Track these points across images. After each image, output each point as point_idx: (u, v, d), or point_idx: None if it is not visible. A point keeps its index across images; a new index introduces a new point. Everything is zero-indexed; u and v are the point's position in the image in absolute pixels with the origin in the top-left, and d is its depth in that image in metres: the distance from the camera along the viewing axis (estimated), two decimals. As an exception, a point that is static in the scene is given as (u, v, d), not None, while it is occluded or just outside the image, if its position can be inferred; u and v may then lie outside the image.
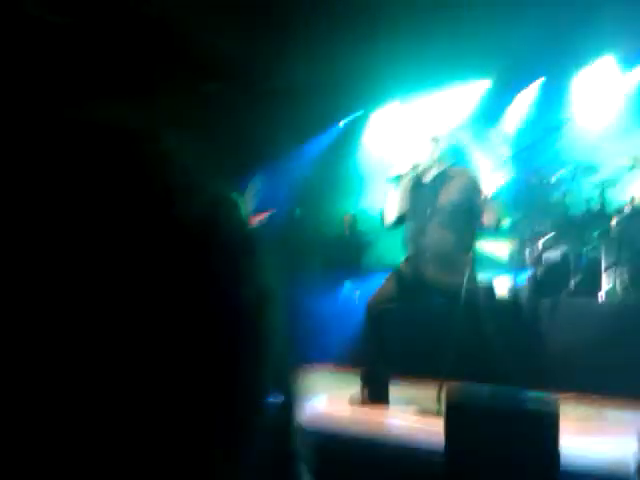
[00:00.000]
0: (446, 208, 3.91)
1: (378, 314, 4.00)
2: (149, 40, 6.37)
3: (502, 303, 5.15)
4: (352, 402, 4.00)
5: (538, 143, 7.19)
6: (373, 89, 7.79)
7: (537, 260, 5.76)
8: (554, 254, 5.73)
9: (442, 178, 4.00)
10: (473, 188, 3.92)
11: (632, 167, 5.86)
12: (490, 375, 3.41)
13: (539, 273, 5.62)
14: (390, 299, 4.01)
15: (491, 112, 7.91)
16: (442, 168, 4.03)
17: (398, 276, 4.09)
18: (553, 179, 6.23)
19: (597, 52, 6.98)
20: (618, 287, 5.16)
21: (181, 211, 0.38)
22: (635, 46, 6.62)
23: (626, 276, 5.16)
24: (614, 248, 5.38)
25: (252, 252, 0.43)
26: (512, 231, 6.11)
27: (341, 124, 8.53)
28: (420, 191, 4.03)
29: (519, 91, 7.82)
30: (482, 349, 3.77)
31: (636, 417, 2.49)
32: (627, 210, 5.59)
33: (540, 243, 5.88)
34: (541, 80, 7.60)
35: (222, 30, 6.59)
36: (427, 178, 4.05)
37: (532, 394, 2.93)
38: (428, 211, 3.96)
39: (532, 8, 6.30)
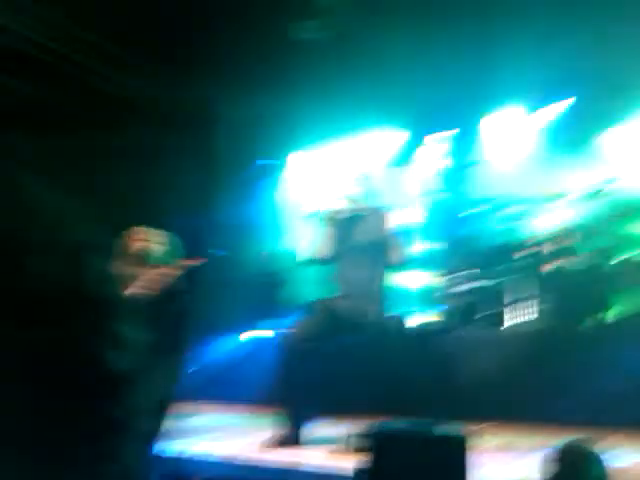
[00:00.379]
0: (360, 246, 4.03)
1: (296, 353, 3.96)
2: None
3: (416, 337, 5.23)
4: (269, 443, 3.91)
5: (450, 182, 7.51)
6: (291, 131, 7.92)
7: (451, 294, 5.91)
8: (467, 288, 5.88)
9: (357, 217, 4.12)
10: (385, 227, 4.03)
11: (536, 202, 6.20)
12: (408, 409, 3.43)
13: (453, 307, 5.75)
14: (308, 338, 3.99)
15: (405, 154, 8.19)
16: (357, 207, 4.13)
17: (320, 313, 4.11)
18: (464, 215, 6.49)
19: (505, 99, 7.42)
20: (528, 318, 5.36)
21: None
22: (538, 95, 7.06)
23: (536, 308, 5.37)
24: (523, 281, 5.61)
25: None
26: (427, 266, 6.29)
27: (260, 165, 8.58)
28: (335, 230, 4.12)
29: (432, 133, 8.16)
30: (396, 383, 3.81)
31: (546, 443, 2.57)
32: (532, 243, 5.87)
33: (453, 277, 6.05)
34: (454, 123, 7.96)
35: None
36: (345, 216, 4.14)
37: (446, 426, 2.95)
38: (343, 249, 4.07)
39: (445, 59, 6.70)
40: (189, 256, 5.07)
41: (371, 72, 6.96)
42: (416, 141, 8.16)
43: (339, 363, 4.64)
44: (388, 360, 4.54)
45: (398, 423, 2.91)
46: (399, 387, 4.68)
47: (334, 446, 3.68)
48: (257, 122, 7.55)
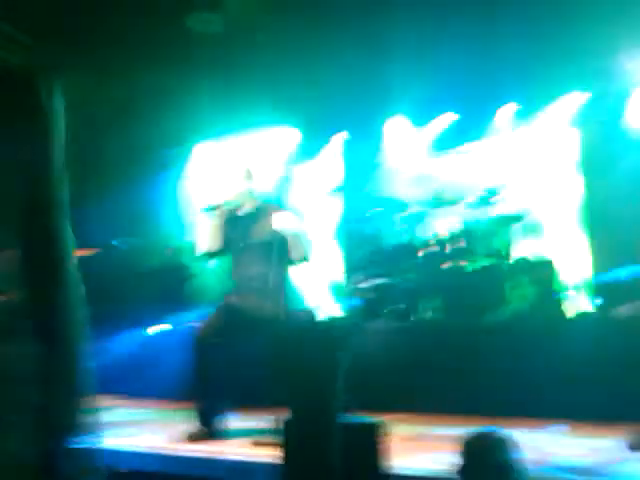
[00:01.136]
0: (259, 242, 3.99)
1: (205, 348, 3.91)
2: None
3: (324, 332, 5.25)
4: (185, 438, 3.82)
5: (353, 182, 7.68)
6: (196, 122, 7.79)
7: (356, 290, 6.00)
8: (372, 284, 5.97)
9: (256, 213, 4.10)
10: (284, 224, 3.97)
11: (435, 204, 6.46)
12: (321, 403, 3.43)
13: (359, 302, 5.84)
14: (215, 333, 3.94)
15: (308, 153, 8.32)
16: (256, 204, 4.12)
17: (221, 310, 4.08)
18: (367, 215, 6.62)
19: (401, 107, 7.76)
20: (428, 313, 5.55)
21: None
22: (424, 105, 7.44)
23: (434, 304, 5.57)
24: (423, 278, 5.82)
25: None
26: (332, 263, 6.37)
27: (164, 156, 8.35)
28: (234, 224, 4.08)
29: (334, 133, 8.32)
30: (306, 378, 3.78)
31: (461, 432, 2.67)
32: (432, 243, 6.10)
33: (358, 275, 6.17)
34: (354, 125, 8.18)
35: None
36: (241, 212, 4.11)
37: (358, 417, 2.99)
38: (242, 245, 4.03)
39: (348, 61, 6.88)
40: (82, 247, 4.81)
41: (274, 69, 7.02)
42: (319, 140, 8.33)
43: (246, 358, 4.59)
44: (295, 354, 4.53)
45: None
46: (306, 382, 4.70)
47: (256, 438, 3.65)
48: (161, 112, 7.37)
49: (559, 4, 6.08)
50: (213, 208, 4.02)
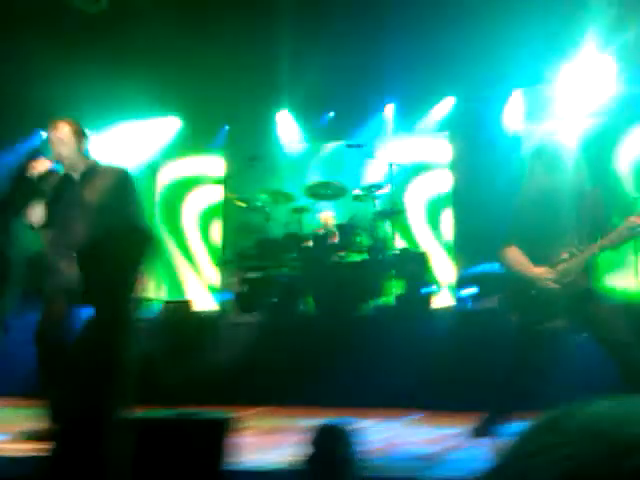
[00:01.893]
0: (93, 206, 3.43)
1: (46, 341, 3.38)
2: None
3: (206, 321, 5.17)
4: (28, 436, 3.51)
5: (238, 172, 7.59)
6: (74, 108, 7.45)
7: (240, 280, 5.88)
8: (256, 274, 5.91)
9: (88, 173, 3.54)
10: (121, 186, 3.49)
11: (318, 197, 6.49)
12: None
13: (242, 292, 5.73)
14: (54, 323, 3.40)
15: (193, 142, 8.22)
16: (89, 164, 3.57)
17: (46, 300, 3.48)
18: (256, 204, 6.52)
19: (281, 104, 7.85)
20: (300, 307, 5.54)
21: None
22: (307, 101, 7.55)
23: (317, 294, 5.56)
24: (300, 272, 5.82)
25: None
26: (216, 253, 6.22)
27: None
28: (63, 189, 3.50)
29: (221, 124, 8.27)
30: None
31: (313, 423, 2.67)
32: (312, 236, 6.13)
33: (234, 267, 6.08)
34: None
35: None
36: (75, 175, 3.55)
37: (211, 412, 2.91)
38: (75, 211, 3.46)
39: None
40: None
41: (158, 58, 6.87)
42: (205, 130, 8.24)
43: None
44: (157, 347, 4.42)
45: (157, 411, 2.79)
46: (175, 375, 4.58)
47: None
48: (36, 92, 6.96)
49: (435, 13, 6.35)
50: (43, 175, 3.43)
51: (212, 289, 6.76)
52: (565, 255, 3.10)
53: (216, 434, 2.67)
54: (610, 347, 3.01)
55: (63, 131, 3.52)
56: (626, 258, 6.13)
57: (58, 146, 3.52)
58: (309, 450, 2.54)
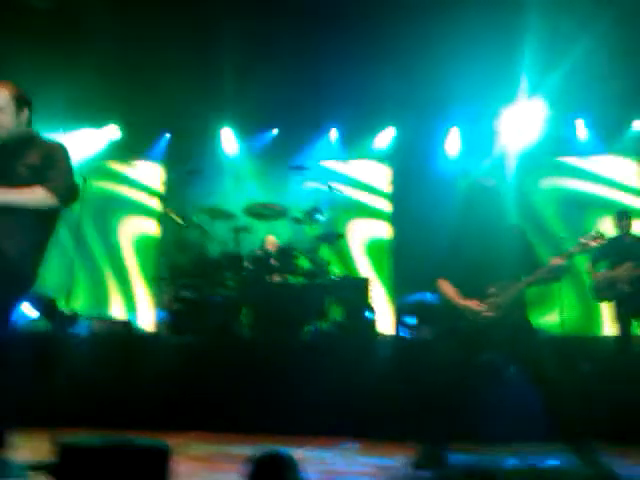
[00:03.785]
0: (22, 180, 3.04)
1: None
2: None
3: (137, 342, 4.97)
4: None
5: (179, 188, 7.44)
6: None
7: (174, 299, 5.67)
8: (191, 293, 5.69)
9: (25, 146, 3.16)
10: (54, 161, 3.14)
11: (259, 217, 6.43)
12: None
13: (176, 311, 5.54)
14: None
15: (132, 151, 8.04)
16: (26, 135, 3.20)
17: None
18: (194, 220, 6.37)
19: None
20: (251, 325, 5.41)
21: None
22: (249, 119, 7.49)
23: (254, 316, 5.45)
24: (238, 293, 5.71)
25: None
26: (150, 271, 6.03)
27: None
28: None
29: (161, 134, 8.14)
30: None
31: (252, 451, 2.57)
32: (259, 254, 6.04)
33: (170, 285, 5.89)
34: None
35: None
36: (9, 145, 3.13)
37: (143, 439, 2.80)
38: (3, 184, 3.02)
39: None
40: None
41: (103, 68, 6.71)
42: (143, 140, 8.07)
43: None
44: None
45: (89, 438, 2.65)
46: (101, 398, 4.37)
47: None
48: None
49: (381, 46, 6.54)
50: None
51: (144, 307, 6.54)
52: (493, 290, 3.20)
53: (157, 462, 2.57)
54: (538, 380, 3.12)
55: (1, 96, 3.14)
56: (552, 294, 6.42)
57: None
58: (253, 478, 2.48)
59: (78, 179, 3.40)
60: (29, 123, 3.26)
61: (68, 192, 3.14)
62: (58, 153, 3.16)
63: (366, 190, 7.95)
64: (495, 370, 4.04)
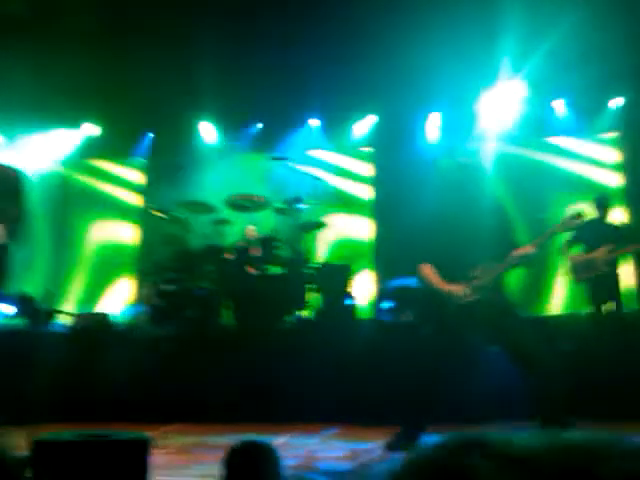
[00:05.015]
0: None
1: None
2: None
3: (118, 335, 4.96)
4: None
5: (159, 182, 7.40)
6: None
7: (156, 292, 5.64)
8: (173, 287, 5.66)
9: None
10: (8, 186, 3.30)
11: (240, 209, 6.41)
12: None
13: (158, 305, 5.50)
14: None
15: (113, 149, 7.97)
16: None
17: None
18: (175, 214, 6.34)
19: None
20: (233, 316, 5.41)
21: None
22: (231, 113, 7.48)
23: (236, 307, 5.43)
24: (219, 285, 5.68)
25: None
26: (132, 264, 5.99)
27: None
28: None
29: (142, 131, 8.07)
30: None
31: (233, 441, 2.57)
32: (233, 248, 6.02)
33: (150, 279, 5.87)
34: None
35: None
36: None
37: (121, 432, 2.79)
38: None
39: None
40: None
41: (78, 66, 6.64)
42: (126, 137, 8.01)
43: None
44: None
45: (65, 432, 2.64)
46: (79, 392, 4.36)
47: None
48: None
49: (361, 33, 6.50)
50: None
51: (127, 301, 6.51)
52: (477, 272, 3.20)
53: (137, 455, 2.56)
54: (522, 361, 3.12)
55: None
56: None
57: None
58: (226, 469, 2.47)
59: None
60: None
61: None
62: (13, 180, 3.25)
63: (348, 177, 7.94)
64: (477, 351, 4.05)
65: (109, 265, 7.86)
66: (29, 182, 3.41)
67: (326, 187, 7.29)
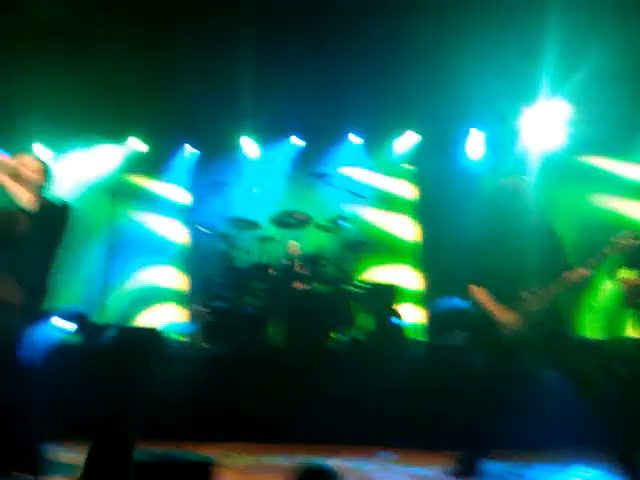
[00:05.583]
0: None
1: None
2: None
3: (170, 352, 5.03)
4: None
5: (204, 199, 7.51)
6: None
7: (206, 309, 5.72)
8: (222, 304, 5.75)
9: None
10: None
11: (285, 226, 6.47)
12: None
13: (208, 322, 5.58)
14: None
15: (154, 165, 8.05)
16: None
17: None
18: (221, 231, 6.44)
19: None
20: (281, 334, 5.44)
21: None
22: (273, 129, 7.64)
23: (285, 325, 5.46)
24: (268, 302, 5.73)
25: None
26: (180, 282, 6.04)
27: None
28: None
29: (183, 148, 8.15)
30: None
31: (290, 462, 2.57)
32: (279, 266, 6.08)
33: (200, 297, 5.95)
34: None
35: None
36: None
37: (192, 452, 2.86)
38: None
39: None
40: None
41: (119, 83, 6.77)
42: (167, 153, 8.15)
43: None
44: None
45: (142, 451, 2.71)
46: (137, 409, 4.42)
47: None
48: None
49: (402, 50, 6.54)
50: None
51: (175, 317, 6.60)
52: (525, 294, 3.19)
53: (202, 476, 2.63)
54: (579, 384, 3.10)
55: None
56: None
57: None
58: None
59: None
60: None
61: None
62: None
63: (390, 195, 7.94)
64: (531, 377, 4.03)
65: (159, 281, 7.96)
66: (74, 213, 3.45)
67: (367, 204, 7.31)
